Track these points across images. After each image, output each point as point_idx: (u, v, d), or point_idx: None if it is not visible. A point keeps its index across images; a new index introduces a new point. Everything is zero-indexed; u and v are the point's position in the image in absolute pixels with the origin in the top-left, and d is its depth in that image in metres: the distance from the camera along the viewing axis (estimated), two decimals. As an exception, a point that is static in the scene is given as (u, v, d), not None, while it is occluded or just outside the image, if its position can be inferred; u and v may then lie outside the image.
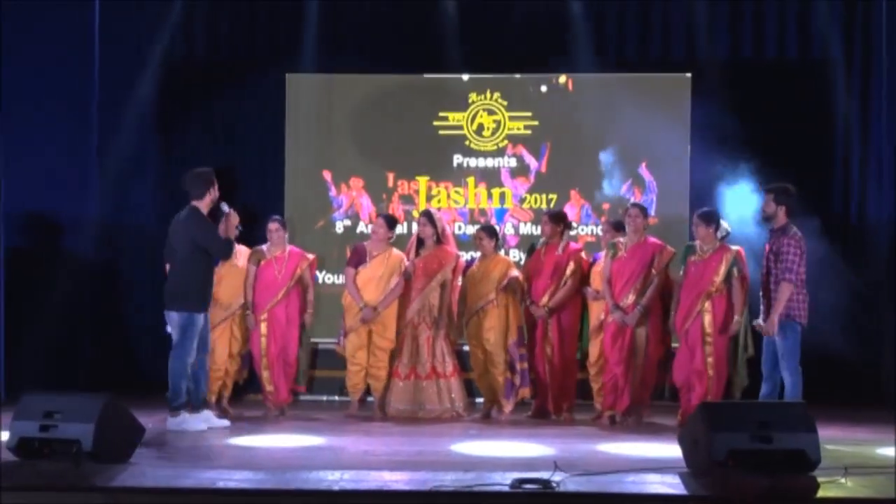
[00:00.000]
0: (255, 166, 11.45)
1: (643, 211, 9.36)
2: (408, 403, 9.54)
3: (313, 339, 10.09)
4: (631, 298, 9.11)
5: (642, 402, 9.31)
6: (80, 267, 10.76)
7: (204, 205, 8.79)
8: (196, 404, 8.78)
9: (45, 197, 10.52)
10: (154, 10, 11.07)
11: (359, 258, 9.71)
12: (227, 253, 8.94)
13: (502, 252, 9.90)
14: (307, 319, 9.67)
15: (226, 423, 8.89)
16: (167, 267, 8.94)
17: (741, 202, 10.13)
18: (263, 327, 9.53)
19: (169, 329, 8.80)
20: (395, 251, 9.74)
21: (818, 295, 8.94)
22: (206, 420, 8.71)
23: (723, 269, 8.89)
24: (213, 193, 8.82)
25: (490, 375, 9.60)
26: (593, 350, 9.50)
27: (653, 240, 9.32)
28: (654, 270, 9.13)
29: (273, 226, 9.66)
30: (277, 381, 9.55)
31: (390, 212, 11.03)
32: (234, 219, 8.91)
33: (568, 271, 9.51)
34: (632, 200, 10.57)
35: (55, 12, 10.49)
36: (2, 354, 9.75)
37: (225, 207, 8.89)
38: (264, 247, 9.68)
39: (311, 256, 9.78)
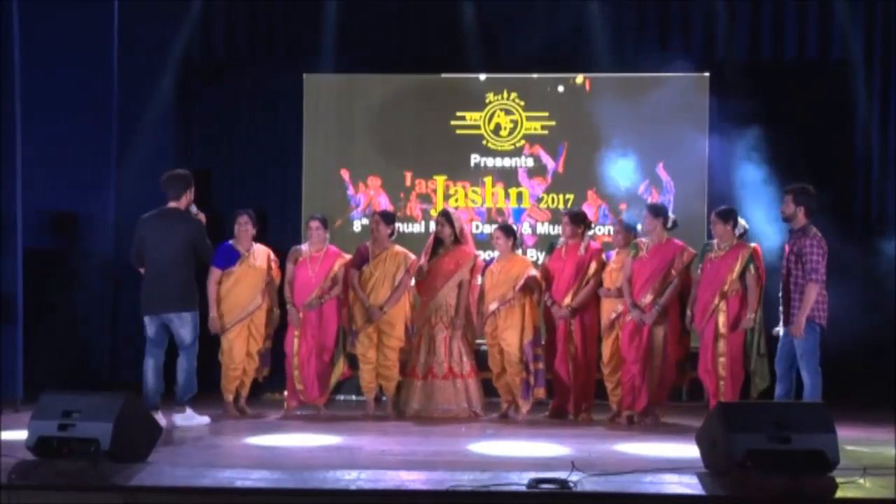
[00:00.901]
0: (273, 166, 11.52)
1: (652, 211, 9.32)
2: (425, 403, 9.55)
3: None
4: (649, 298, 9.09)
5: (659, 403, 9.29)
6: (98, 267, 10.79)
7: (182, 206, 8.94)
8: (155, 404, 8.82)
9: (63, 197, 10.56)
10: (172, 11, 11.09)
11: (361, 259, 9.67)
12: (211, 257, 9.19)
13: (520, 251, 9.87)
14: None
15: (175, 424, 8.85)
16: (142, 271, 9.03)
17: (759, 202, 10.10)
18: (297, 327, 9.56)
19: (151, 331, 8.91)
20: (398, 248, 9.71)
21: (839, 295, 8.91)
22: (163, 416, 8.71)
23: (738, 267, 8.86)
24: (190, 196, 8.98)
25: (507, 375, 9.58)
26: (605, 349, 9.51)
27: (676, 242, 9.30)
28: (673, 271, 9.12)
29: (314, 224, 9.66)
30: (308, 381, 9.54)
31: (407, 211, 11.06)
32: (203, 220, 9.06)
33: (590, 271, 9.49)
34: (648, 200, 10.57)
35: (73, 13, 10.51)
36: (20, 354, 9.77)
37: (194, 209, 9.03)
38: (303, 246, 9.70)
39: (347, 256, 9.76)
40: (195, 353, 8.91)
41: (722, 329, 8.88)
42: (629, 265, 9.22)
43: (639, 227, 9.50)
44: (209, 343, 9.40)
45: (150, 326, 8.91)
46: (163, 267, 8.79)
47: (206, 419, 8.95)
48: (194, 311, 8.89)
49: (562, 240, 9.75)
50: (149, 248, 8.85)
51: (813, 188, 8.52)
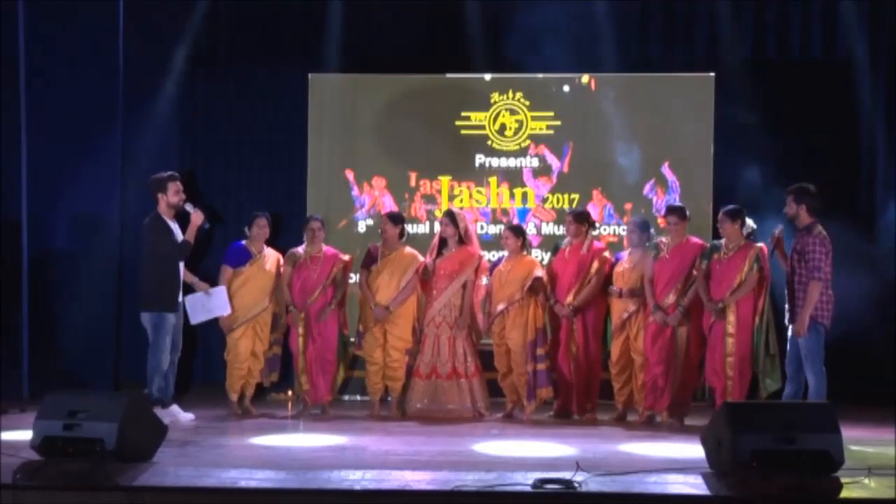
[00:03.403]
0: (277, 166, 11.51)
1: (680, 214, 9.33)
2: (428, 402, 9.56)
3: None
4: (671, 298, 9.10)
5: (685, 403, 9.28)
6: (104, 267, 10.78)
7: (161, 209, 9.16)
8: (165, 400, 9.01)
9: (68, 198, 10.55)
10: (177, 11, 11.09)
11: (370, 259, 9.70)
12: (180, 254, 9.20)
13: (525, 252, 9.85)
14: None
15: (190, 416, 9.15)
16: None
17: (764, 202, 10.09)
18: (301, 327, 9.57)
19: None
20: (408, 249, 9.73)
21: (846, 294, 8.90)
22: (172, 415, 8.92)
23: (746, 267, 8.87)
24: (169, 198, 9.15)
25: (514, 375, 9.58)
26: (615, 349, 9.50)
27: (695, 240, 9.32)
28: (695, 271, 9.11)
29: (315, 224, 9.69)
30: (315, 380, 9.57)
31: (412, 212, 11.05)
32: (197, 218, 9.19)
33: (592, 270, 9.49)
34: (654, 200, 10.56)
35: (79, 14, 10.50)
36: (26, 354, 9.79)
37: (189, 207, 9.19)
38: (300, 248, 9.70)
39: (346, 257, 9.79)
40: (154, 353, 8.99)
41: (731, 329, 8.88)
42: (650, 266, 9.23)
43: (652, 230, 9.53)
44: (217, 342, 9.40)
45: None
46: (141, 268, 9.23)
47: (190, 416, 9.12)
48: (153, 312, 9.03)
49: (566, 239, 9.76)
50: None
51: (813, 187, 8.52)
